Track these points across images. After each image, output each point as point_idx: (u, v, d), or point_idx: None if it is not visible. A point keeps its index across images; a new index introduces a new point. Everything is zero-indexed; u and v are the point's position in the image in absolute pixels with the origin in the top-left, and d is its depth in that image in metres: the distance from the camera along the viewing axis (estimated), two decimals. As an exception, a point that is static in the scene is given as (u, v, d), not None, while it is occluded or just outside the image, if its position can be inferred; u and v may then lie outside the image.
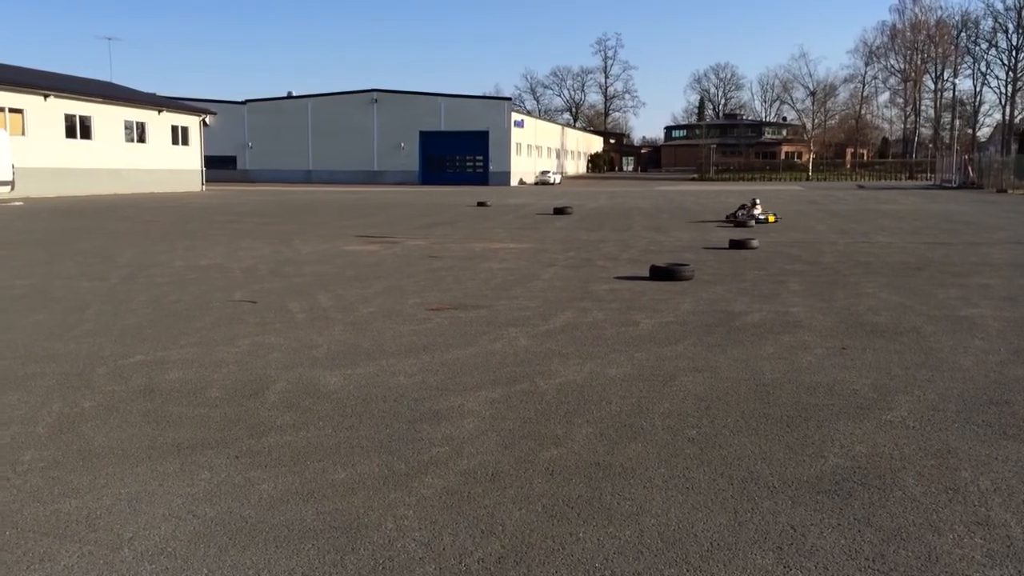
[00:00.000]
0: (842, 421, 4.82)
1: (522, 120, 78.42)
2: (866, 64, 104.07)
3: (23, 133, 36.22)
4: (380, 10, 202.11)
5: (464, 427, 4.70)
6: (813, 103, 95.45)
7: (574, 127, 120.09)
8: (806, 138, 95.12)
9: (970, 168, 55.54)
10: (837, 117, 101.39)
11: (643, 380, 5.72)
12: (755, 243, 14.88)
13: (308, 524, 3.44)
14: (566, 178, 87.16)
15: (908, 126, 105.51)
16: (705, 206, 31.59)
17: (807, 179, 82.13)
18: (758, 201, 22.68)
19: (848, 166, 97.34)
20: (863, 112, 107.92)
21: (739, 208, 22.56)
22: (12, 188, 31.80)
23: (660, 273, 10.77)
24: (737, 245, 14.82)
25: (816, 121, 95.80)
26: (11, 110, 35.88)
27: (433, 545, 3.26)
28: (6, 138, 32.17)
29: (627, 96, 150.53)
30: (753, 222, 20.58)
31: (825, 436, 4.56)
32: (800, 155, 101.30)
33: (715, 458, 4.21)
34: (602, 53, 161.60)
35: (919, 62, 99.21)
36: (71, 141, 39.53)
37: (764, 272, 11.56)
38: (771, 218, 21.55)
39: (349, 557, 3.16)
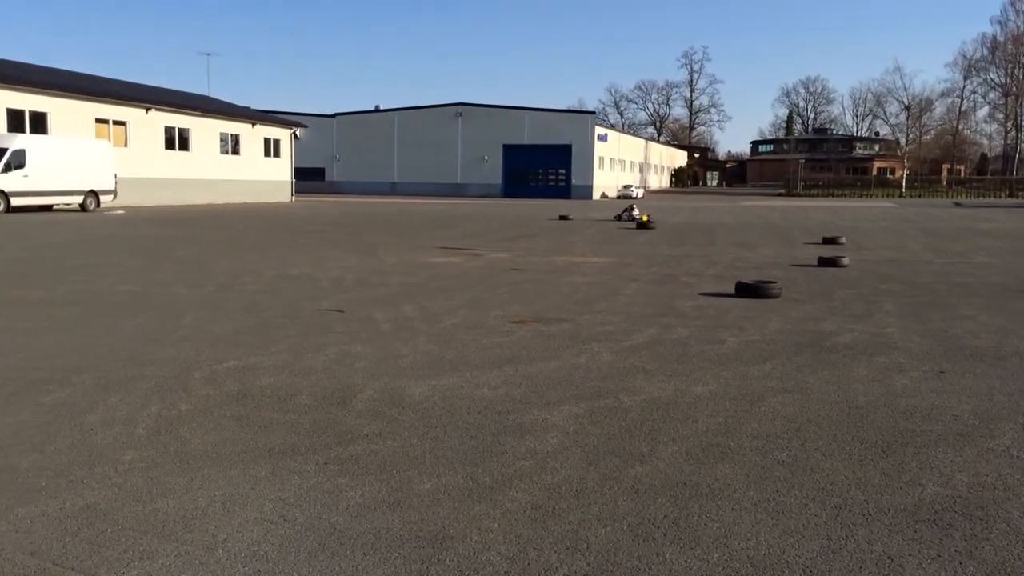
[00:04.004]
0: (941, 448, 4.64)
1: (605, 134, 78.25)
2: (965, 78, 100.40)
3: (126, 145, 37.89)
4: (467, 25, 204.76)
5: (548, 441, 4.68)
6: (908, 118, 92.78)
7: (658, 141, 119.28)
8: (899, 154, 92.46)
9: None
10: (933, 132, 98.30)
11: (730, 399, 5.61)
12: (845, 261, 14.49)
13: (395, 533, 3.47)
14: (649, 192, 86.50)
15: (1008, 142, 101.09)
16: (793, 223, 30.92)
17: (900, 196, 79.60)
18: (634, 206, 33.40)
19: (944, 183, 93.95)
20: (961, 127, 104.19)
21: (622, 211, 32.55)
22: (114, 197, 33.27)
23: (746, 290, 10.57)
24: (826, 263, 14.45)
25: (910, 136, 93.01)
26: (115, 122, 37.58)
27: (518, 559, 3.25)
28: (110, 149, 33.69)
29: (713, 110, 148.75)
30: (634, 224, 27.63)
31: (923, 463, 4.38)
32: (893, 171, 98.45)
33: (806, 482, 4.09)
34: (688, 67, 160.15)
35: (1021, 76, 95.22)
36: (170, 152, 41.17)
37: (855, 291, 11.23)
38: (645, 217, 28.69)
39: (435, 568, 3.18)
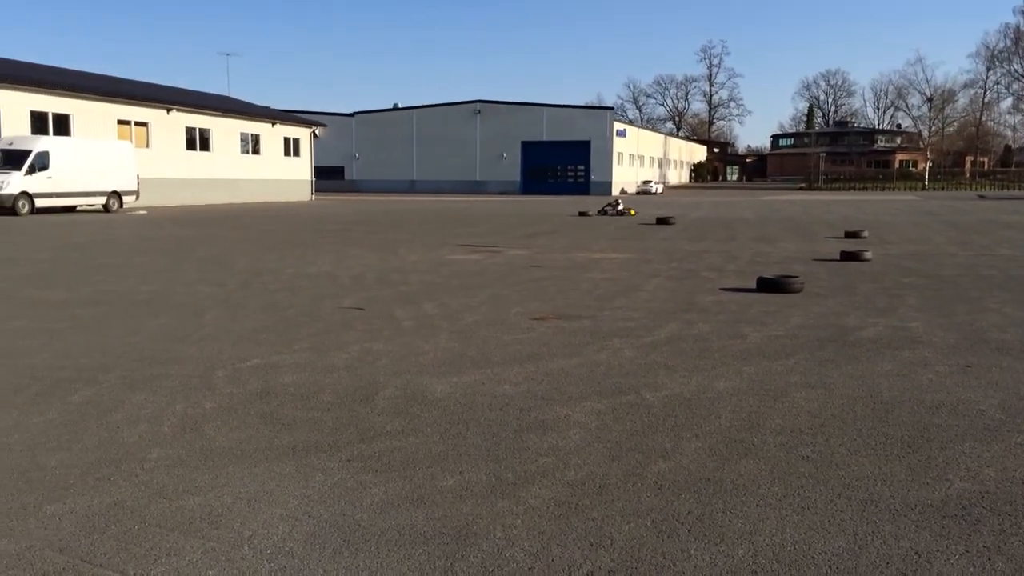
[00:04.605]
0: (968, 443, 4.59)
1: (624, 130, 78.06)
2: (988, 69, 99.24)
3: (147, 145, 38.23)
4: (485, 22, 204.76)
5: (570, 438, 4.68)
6: (930, 110, 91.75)
7: (677, 136, 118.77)
8: (922, 146, 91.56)
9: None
10: (956, 124, 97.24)
11: (753, 395, 5.58)
12: (868, 255, 14.36)
13: (419, 529, 3.48)
14: (668, 188, 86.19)
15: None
16: (814, 217, 30.71)
17: (923, 188, 78.88)
18: (620, 200, 34.02)
19: (967, 175, 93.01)
20: (984, 119, 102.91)
21: (606, 205, 33.13)
22: (137, 198, 33.57)
23: (768, 285, 10.51)
24: (849, 257, 14.34)
25: (933, 128, 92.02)
26: (137, 123, 37.93)
27: (542, 556, 3.25)
28: (132, 150, 33.99)
29: (732, 104, 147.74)
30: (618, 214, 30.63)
31: (950, 458, 4.34)
32: (915, 164, 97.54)
33: (832, 477, 4.06)
34: (707, 61, 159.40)
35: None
36: (191, 153, 41.49)
37: (878, 285, 11.13)
38: (632, 212, 31.55)
39: (459, 564, 3.18)
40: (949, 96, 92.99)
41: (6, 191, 27.76)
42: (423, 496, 3.83)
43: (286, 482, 4.01)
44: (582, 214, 31.56)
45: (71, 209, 30.92)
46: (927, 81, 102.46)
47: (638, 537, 3.41)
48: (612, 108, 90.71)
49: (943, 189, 77.26)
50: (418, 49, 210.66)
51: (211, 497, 3.82)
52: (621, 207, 32.07)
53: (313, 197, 50.57)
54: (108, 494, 3.85)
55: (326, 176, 68.31)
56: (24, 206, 28.29)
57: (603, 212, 31.93)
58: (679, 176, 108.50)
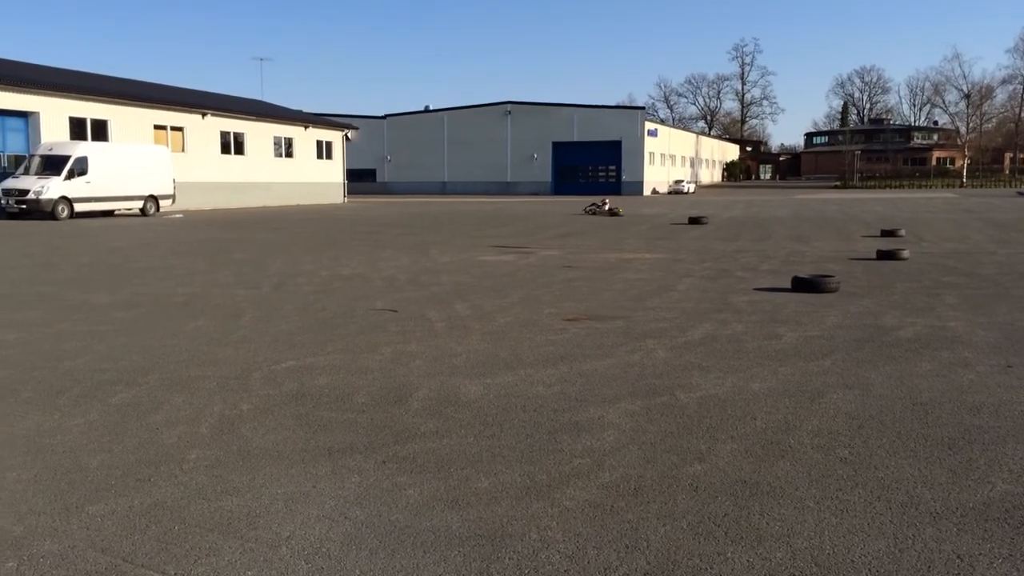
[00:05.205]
0: (1010, 444, 4.51)
1: (655, 129, 77.68)
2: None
3: (183, 150, 38.74)
4: (516, 23, 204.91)
5: (605, 439, 4.66)
6: (968, 106, 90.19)
7: (709, 135, 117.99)
8: (960, 143, 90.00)
9: None
10: (994, 120, 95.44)
11: (789, 396, 5.53)
12: (905, 254, 14.17)
13: (454, 531, 3.49)
14: (700, 187, 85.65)
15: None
16: (850, 215, 30.34)
17: (961, 186, 77.61)
18: (607, 200, 34.63)
19: (1007, 172, 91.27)
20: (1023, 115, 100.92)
21: (591, 204, 34.09)
22: (173, 201, 34.03)
23: (803, 285, 10.40)
24: (885, 256, 14.15)
25: (971, 125, 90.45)
26: (173, 128, 38.46)
27: (577, 558, 3.24)
28: (168, 155, 34.46)
29: (765, 103, 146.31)
30: (608, 214, 31.42)
31: (992, 460, 4.27)
32: (953, 161, 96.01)
33: (870, 480, 4.01)
34: (739, 59, 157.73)
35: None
36: (226, 156, 41.97)
37: (916, 284, 10.98)
38: (620, 210, 32.12)
39: (495, 566, 3.19)
40: (987, 92, 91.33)
41: (46, 196, 28.28)
42: (458, 497, 3.85)
43: (322, 483, 4.04)
44: (613, 214, 31.49)
45: (109, 213, 31.41)
46: (964, 77, 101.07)
47: (674, 539, 3.39)
48: (643, 108, 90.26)
49: (981, 187, 75.95)
50: (448, 51, 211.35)
51: (249, 498, 3.86)
52: (608, 206, 32.71)
53: (345, 199, 50.93)
54: (148, 495, 3.90)
55: (358, 178, 68.76)
56: (63, 210, 28.80)
57: (588, 211, 32.67)
58: (711, 175, 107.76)
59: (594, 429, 4.85)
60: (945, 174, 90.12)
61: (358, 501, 3.82)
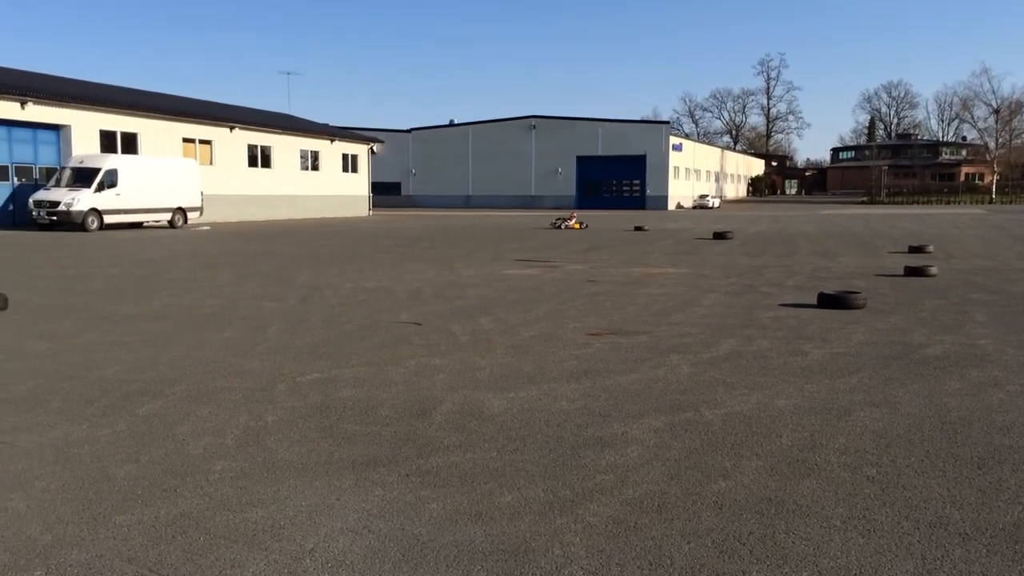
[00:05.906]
0: (1042, 466, 4.44)
1: (680, 144, 77.53)
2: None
3: (211, 163, 39.21)
4: (540, 37, 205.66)
5: (628, 455, 4.64)
6: (997, 121, 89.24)
7: (734, 150, 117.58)
8: (989, 158, 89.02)
9: None
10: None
11: (815, 413, 5.48)
12: (933, 270, 14.02)
13: (477, 545, 3.49)
14: (725, 202, 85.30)
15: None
16: (877, 231, 30.08)
17: (990, 202, 76.70)
18: (574, 215, 35.59)
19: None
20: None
21: (557, 219, 34.96)
22: (201, 214, 34.42)
23: (829, 301, 10.32)
24: (913, 272, 14.01)
25: (1000, 140, 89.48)
26: (201, 141, 38.94)
27: (600, 574, 3.23)
28: (197, 168, 34.89)
29: (791, 117, 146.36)
30: (569, 226, 32.38)
31: (1022, 480, 4.20)
32: (982, 176, 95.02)
33: (898, 499, 3.96)
34: (764, 74, 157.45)
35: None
36: (253, 169, 42.40)
37: (945, 301, 10.85)
38: (576, 225, 32.76)
39: (517, 581, 3.18)
40: (1016, 107, 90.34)
41: (76, 208, 28.71)
42: (481, 512, 3.84)
43: (346, 496, 4.05)
44: (638, 229, 31.44)
45: (138, 225, 31.81)
46: (993, 92, 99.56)
47: (698, 558, 3.37)
48: (668, 122, 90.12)
49: (1011, 203, 75.03)
50: (474, 65, 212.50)
51: (273, 509, 3.88)
52: (572, 221, 33.42)
53: (371, 212, 51.23)
54: (174, 505, 3.94)
55: (383, 192, 69.18)
56: (93, 222, 29.21)
57: (554, 226, 33.17)
58: (736, 190, 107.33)
59: (618, 445, 4.83)
60: (974, 190, 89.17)
61: (381, 514, 3.82)
